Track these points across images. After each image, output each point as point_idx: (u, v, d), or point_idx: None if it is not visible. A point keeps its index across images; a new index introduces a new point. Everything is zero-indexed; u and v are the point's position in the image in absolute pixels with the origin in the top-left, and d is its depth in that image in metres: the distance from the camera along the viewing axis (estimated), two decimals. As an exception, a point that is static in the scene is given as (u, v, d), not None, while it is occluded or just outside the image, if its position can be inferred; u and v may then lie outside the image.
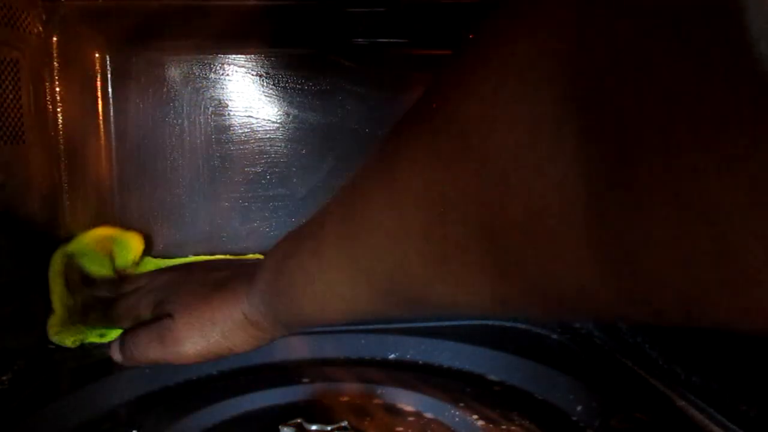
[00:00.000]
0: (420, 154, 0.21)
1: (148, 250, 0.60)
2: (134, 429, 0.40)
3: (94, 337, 0.52)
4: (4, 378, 0.46)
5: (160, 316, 0.39)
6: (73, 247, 0.54)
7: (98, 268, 0.53)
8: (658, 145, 0.13)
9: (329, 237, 0.28)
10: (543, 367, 0.46)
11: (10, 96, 0.48)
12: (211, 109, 0.61)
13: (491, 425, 0.39)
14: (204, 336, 0.37)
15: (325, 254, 0.28)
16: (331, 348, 0.52)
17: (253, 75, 0.61)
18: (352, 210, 0.26)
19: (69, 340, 0.51)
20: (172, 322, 0.38)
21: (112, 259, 0.55)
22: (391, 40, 0.62)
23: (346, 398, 0.44)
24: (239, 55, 0.60)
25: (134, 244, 0.57)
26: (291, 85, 0.61)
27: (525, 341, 0.54)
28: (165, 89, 0.60)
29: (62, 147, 0.56)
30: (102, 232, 0.56)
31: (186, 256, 0.62)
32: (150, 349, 0.38)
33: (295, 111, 0.62)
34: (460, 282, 0.22)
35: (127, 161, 0.60)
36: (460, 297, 0.23)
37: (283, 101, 0.61)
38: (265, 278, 0.35)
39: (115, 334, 0.45)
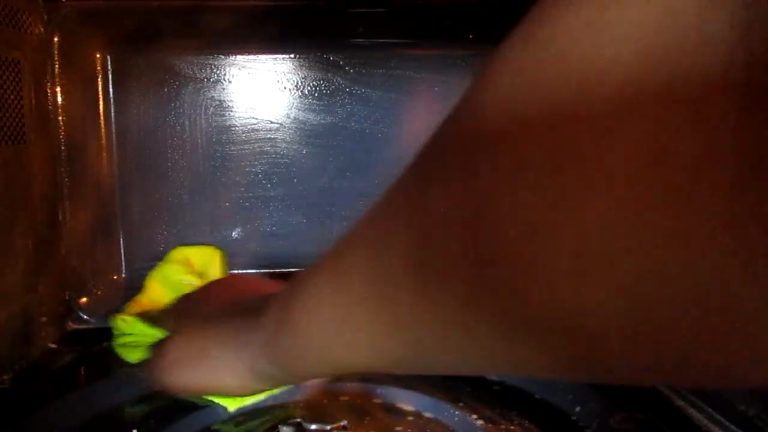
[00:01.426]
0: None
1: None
2: (134, 429, 0.40)
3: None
4: (5, 377, 0.46)
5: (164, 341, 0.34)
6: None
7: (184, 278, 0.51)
8: None
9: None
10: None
11: (11, 96, 0.48)
12: (211, 109, 0.61)
13: (491, 425, 0.39)
14: (189, 369, 0.31)
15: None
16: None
17: (253, 75, 0.61)
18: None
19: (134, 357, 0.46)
20: (160, 351, 0.33)
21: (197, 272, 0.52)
22: (391, 40, 0.62)
23: (346, 398, 0.44)
24: (240, 56, 0.61)
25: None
26: (291, 85, 0.61)
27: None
28: (166, 89, 0.60)
29: (63, 147, 0.56)
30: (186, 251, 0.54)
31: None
32: (152, 374, 0.33)
33: (296, 111, 0.62)
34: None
35: (128, 161, 0.60)
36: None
37: (284, 101, 0.62)
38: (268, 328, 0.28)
39: None
